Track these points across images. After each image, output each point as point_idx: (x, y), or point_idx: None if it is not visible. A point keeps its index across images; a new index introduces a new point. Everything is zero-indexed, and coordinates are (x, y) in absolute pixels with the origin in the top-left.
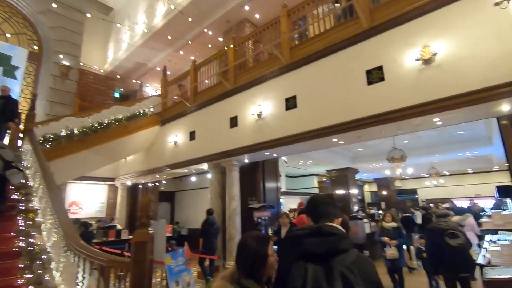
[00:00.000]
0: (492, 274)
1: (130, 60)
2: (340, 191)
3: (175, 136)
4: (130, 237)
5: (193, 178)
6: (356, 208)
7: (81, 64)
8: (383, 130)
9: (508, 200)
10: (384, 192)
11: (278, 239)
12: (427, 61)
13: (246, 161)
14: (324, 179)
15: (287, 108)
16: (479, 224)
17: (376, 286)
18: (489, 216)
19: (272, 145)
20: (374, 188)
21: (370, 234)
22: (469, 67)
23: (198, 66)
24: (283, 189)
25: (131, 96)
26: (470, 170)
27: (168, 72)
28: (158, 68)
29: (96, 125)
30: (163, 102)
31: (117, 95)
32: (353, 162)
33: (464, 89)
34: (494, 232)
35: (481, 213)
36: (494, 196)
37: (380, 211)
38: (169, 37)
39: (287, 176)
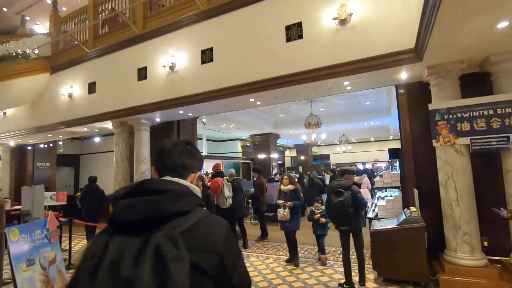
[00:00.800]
0: (377, 226)
1: None
2: (262, 156)
3: (70, 88)
4: (17, 207)
5: (98, 139)
6: (275, 171)
7: None
8: (299, 92)
9: (397, 162)
10: (302, 157)
11: None
12: (343, 21)
13: (158, 120)
14: (248, 144)
15: (203, 62)
16: (373, 183)
17: (217, 257)
18: (381, 176)
19: (186, 102)
20: (294, 153)
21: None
22: (378, 31)
23: (100, 1)
24: (204, 153)
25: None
26: (372, 139)
27: (64, 9)
28: (48, 1)
29: None
30: (53, 44)
31: None
32: (275, 127)
33: (371, 53)
34: (384, 189)
35: (376, 173)
36: (388, 161)
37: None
38: None
39: (210, 140)
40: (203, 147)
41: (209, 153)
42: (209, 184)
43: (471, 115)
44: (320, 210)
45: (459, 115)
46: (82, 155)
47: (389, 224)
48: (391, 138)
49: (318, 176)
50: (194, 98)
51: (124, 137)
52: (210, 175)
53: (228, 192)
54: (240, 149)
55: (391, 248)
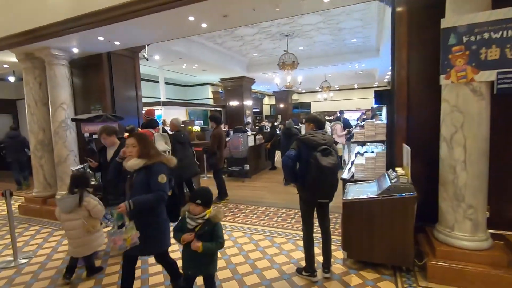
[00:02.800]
0: (352, 191)
1: None
2: (234, 103)
3: None
4: None
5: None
6: (249, 120)
7: None
8: (256, 7)
9: (383, 108)
10: (282, 105)
11: (103, 164)
12: None
13: (76, 50)
14: (220, 90)
15: None
16: (351, 136)
17: None
18: (362, 126)
19: (98, 21)
20: (274, 101)
21: (256, 147)
22: None
23: None
24: (162, 98)
25: None
26: (355, 85)
27: None
28: None
29: None
30: None
31: None
32: (249, 70)
33: None
34: (363, 144)
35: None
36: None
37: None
38: None
39: (174, 84)
40: (161, 91)
41: (170, 99)
42: None
43: (506, 34)
44: None
45: (485, 35)
46: (19, 100)
47: (368, 190)
48: (375, 85)
49: (295, 126)
50: (107, 15)
51: (36, 74)
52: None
53: (164, 146)
54: (211, 95)
55: (368, 223)
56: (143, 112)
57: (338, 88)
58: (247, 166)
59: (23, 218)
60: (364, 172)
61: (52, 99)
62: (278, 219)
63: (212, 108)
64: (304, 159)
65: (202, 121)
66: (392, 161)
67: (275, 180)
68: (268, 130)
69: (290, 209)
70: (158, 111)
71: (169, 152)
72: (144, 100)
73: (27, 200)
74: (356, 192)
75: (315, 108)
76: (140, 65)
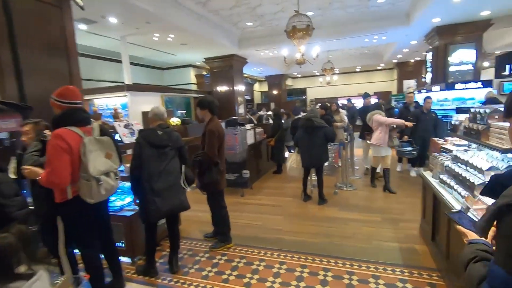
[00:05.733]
0: None
1: None
2: (222, 88)
3: None
4: None
5: None
6: (241, 110)
7: None
8: None
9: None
10: (275, 92)
11: None
12: None
13: None
14: (205, 73)
15: None
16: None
17: None
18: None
19: None
20: (265, 87)
21: (256, 144)
22: None
23: None
24: (126, 81)
25: None
26: (358, 68)
27: None
28: None
29: None
30: None
31: None
32: (241, 46)
33: None
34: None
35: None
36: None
37: (269, 112)
38: None
39: (150, 66)
40: (125, 72)
41: (138, 83)
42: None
43: None
44: None
45: None
46: None
47: None
48: (379, 68)
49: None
50: None
51: None
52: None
53: (103, 163)
54: (194, 80)
55: None
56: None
57: (338, 72)
58: (246, 173)
59: None
60: None
61: None
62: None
63: (196, 95)
64: None
65: (184, 111)
66: None
67: (285, 190)
68: (269, 121)
69: (331, 257)
70: (122, 99)
71: (115, 174)
72: (106, 85)
73: None
74: None
75: (312, 95)
76: (96, 35)
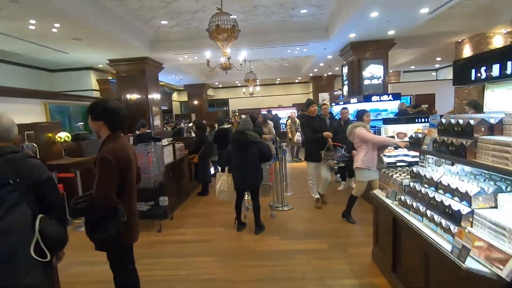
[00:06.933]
0: None
1: None
2: (133, 95)
3: None
4: None
5: None
6: (157, 121)
7: None
8: None
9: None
10: (196, 102)
11: None
12: None
13: None
14: (111, 78)
15: None
16: None
17: None
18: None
19: None
20: (185, 97)
21: (176, 162)
22: None
23: None
24: None
25: None
26: (277, 80)
27: None
28: None
29: None
30: None
31: None
32: (154, 48)
33: None
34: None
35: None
36: (291, 106)
37: (189, 124)
38: None
39: (34, 67)
40: None
41: (10, 87)
42: None
43: None
44: None
45: None
46: None
47: None
48: (297, 81)
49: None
50: None
51: None
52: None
53: None
54: (96, 85)
55: None
56: None
57: (259, 83)
58: (164, 201)
59: None
60: None
61: None
62: None
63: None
64: None
65: (82, 123)
66: None
67: (214, 217)
68: (190, 134)
69: None
70: None
71: None
72: None
73: None
74: None
75: (234, 106)
76: None
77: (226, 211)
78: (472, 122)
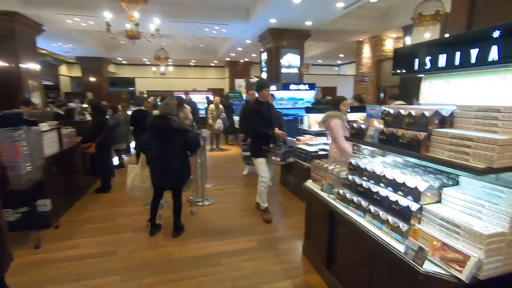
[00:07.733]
0: None
1: None
2: None
3: None
4: None
5: None
6: (35, 99)
7: None
8: None
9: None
10: (92, 79)
11: None
12: None
13: None
14: None
15: None
16: None
17: None
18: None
19: None
20: (78, 72)
21: (64, 153)
22: None
23: None
24: None
25: None
26: (192, 62)
27: None
28: None
29: None
30: None
31: None
32: (30, 2)
33: None
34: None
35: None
36: (206, 91)
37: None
38: None
39: None
40: None
41: None
42: None
43: None
44: None
45: None
46: None
47: None
48: (212, 64)
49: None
50: None
51: None
52: None
53: None
54: None
55: None
56: None
57: (171, 63)
58: (44, 206)
59: None
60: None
61: None
62: None
63: None
64: None
65: None
66: None
67: (119, 220)
68: (85, 117)
69: None
70: None
71: None
72: None
73: None
74: None
75: (142, 86)
76: None
77: (135, 211)
78: (427, 113)
